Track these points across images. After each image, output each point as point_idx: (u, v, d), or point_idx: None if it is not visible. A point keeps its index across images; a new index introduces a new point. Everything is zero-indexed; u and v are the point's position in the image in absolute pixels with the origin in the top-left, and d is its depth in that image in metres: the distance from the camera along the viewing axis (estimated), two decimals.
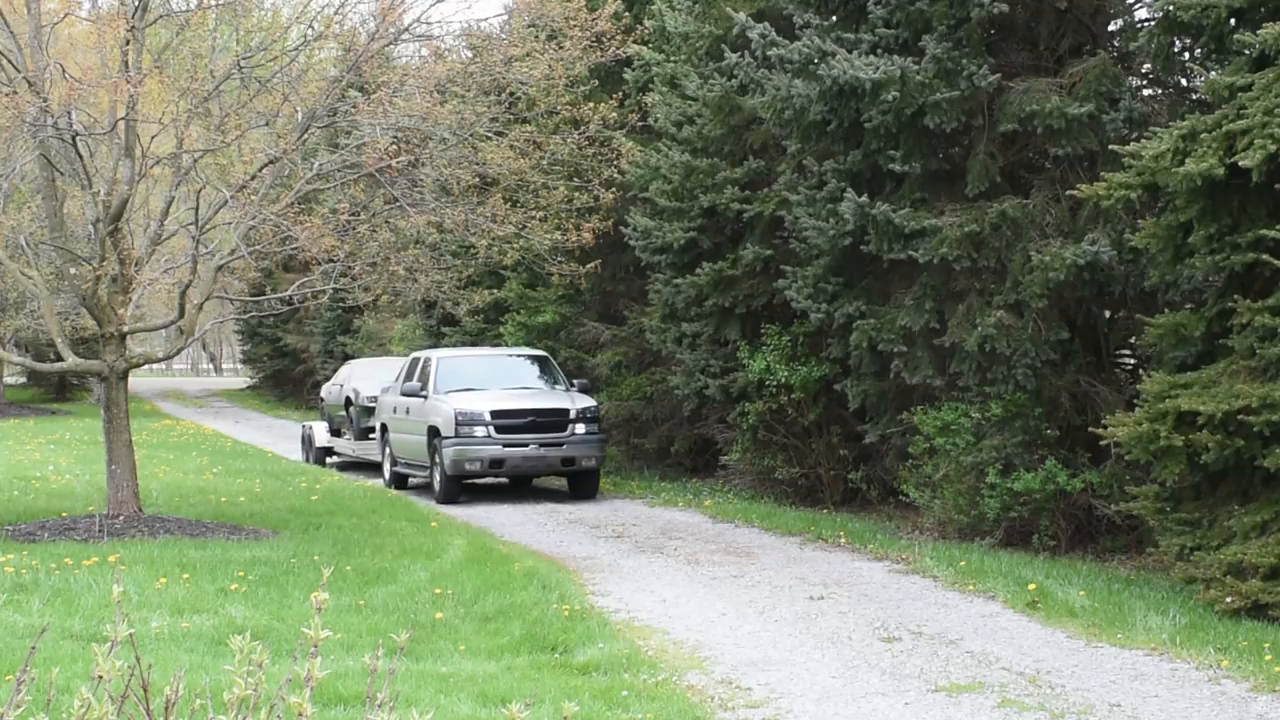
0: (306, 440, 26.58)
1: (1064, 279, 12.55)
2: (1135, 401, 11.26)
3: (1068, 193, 12.57)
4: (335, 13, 15.87)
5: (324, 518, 16.00)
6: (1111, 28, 14.38)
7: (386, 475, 21.37)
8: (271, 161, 14.98)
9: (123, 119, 14.14)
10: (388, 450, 21.31)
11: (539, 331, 23.33)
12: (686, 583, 12.40)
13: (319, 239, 15.22)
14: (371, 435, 23.22)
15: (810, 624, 10.47)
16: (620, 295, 22.42)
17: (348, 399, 24.73)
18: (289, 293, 17.44)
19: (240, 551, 13.22)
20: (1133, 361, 14.51)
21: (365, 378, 24.63)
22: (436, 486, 18.97)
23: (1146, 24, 12.86)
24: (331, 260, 16.15)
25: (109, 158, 15.29)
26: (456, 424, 18.43)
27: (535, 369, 20.27)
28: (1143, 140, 10.89)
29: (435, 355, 20.60)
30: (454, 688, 8.21)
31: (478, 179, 16.69)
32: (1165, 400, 10.44)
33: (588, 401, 19.09)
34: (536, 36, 16.34)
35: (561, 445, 18.50)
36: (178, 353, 18.20)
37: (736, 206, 17.20)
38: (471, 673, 8.69)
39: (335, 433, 25.78)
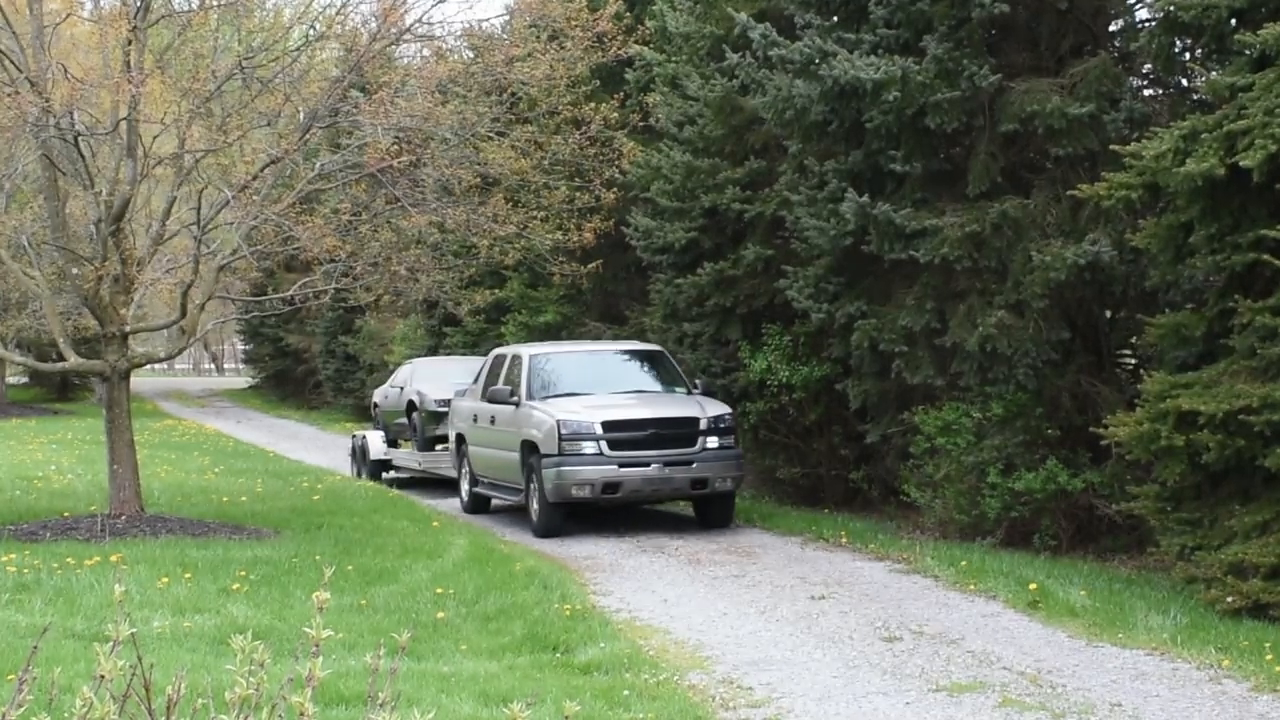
0: (358, 452, 23.14)
1: (1065, 279, 12.55)
2: (1136, 401, 11.26)
3: (1068, 193, 12.57)
4: (337, 13, 15.91)
5: (325, 517, 16.01)
6: (1112, 28, 14.38)
7: (463, 496, 18.21)
8: (273, 161, 14.99)
9: (125, 119, 14.16)
10: (465, 467, 17.98)
11: (540, 331, 23.34)
12: (688, 582, 12.40)
13: (321, 239, 15.23)
14: (439, 446, 20.52)
15: (811, 624, 10.48)
16: (621, 295, 22.43)
17: (410, 403, 21.36)
18: (291, 293, 17.45)
19: (242, 551, 13.23)
20: (1133, 361, 14.51)
21: (431, 378, 21.45)
22: (533, 514, 15.54)
23: (1147, 24, 12.86)
24: (333, 260, 16.16)
25: (111, 158, 15.30)
26: (560, 439, 15.02)
27: (649, 368, 17.00)
28: (1143, 140, 10.89)
29: (526, 352, 16.92)
30: (455, 687, 8.22)
31: (479, 179, 16.70)
32: (1166, 400, 10.45)
33: (720, 408, 15.73)
34: (538, 37, 16.36)
35: (691, 464, 15.04)
36: (179, 353, 18.24)
37: (738, 206, 17.20)
38: (473, 672, 8.70)
39: (392, 443, 22.68)
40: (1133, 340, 13.86)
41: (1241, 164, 9.73)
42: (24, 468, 22.03)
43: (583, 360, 17.07)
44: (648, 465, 15.03)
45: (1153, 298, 12.51)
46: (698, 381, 16.65)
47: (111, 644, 2.95)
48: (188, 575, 11.76)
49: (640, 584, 12.50)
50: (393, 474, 22.33)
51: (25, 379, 47.98)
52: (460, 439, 18.04)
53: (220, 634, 9.47)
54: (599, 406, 15.43)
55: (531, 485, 15.48)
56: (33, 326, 31.25)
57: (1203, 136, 10.11)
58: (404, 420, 21.79)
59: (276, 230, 15.73)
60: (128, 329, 15.24)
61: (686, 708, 7.93)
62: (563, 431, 15.02)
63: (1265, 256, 9.91)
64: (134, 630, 3.00)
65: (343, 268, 16.56)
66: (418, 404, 21.05)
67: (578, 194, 17.95)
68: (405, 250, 16.95)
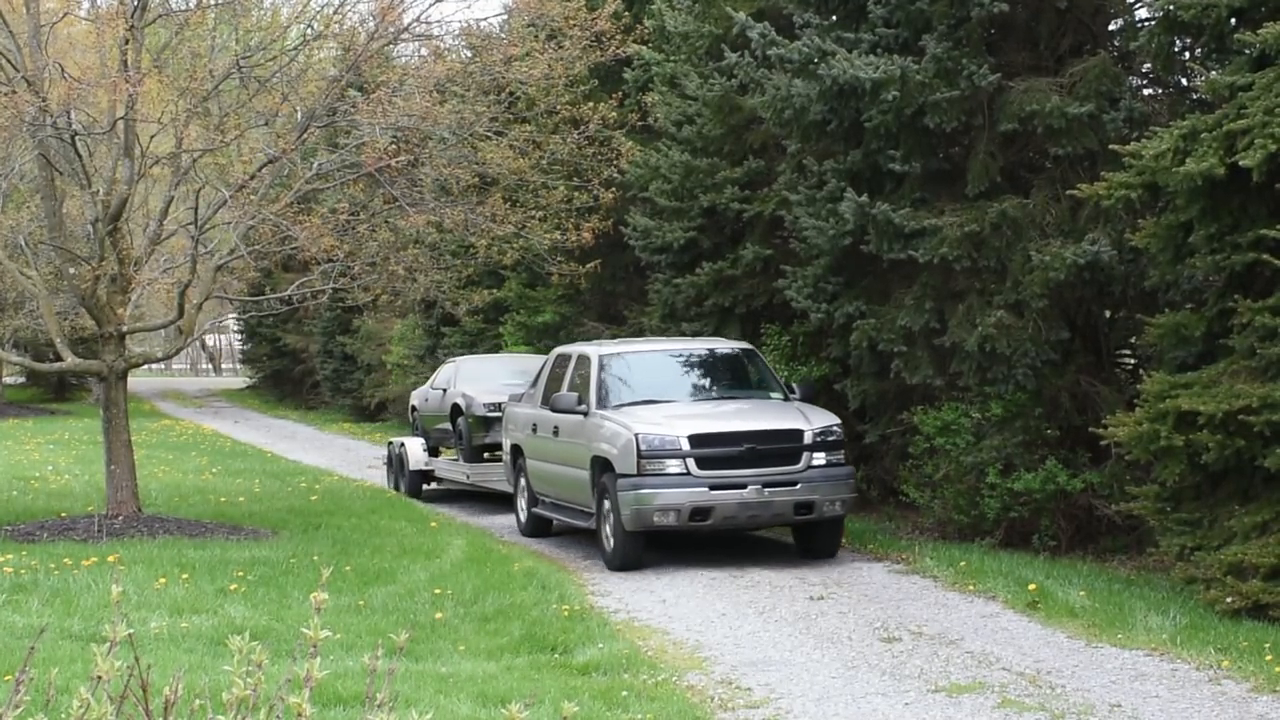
0: (395, 461, 20.63)
1: (1064, 279, 12.54)
2: (1135, 401, 11.25)
3: (1068, 192, 12.56)
4: (334, 12, 15.89)
5: (323, 518, 16.00)
6: (1112, 27, 14.38)
7: (520, 515, 15.91)
8: (271, 161, 14.98)
9: (122, 118, 14.14)
10: (523, 483, 15.71)
11: (539, 331, 23.33)
12: (686, 583, 12.38)
13: (318, 239, 15.21)
14: (489, 456, 18.46)
15: (810, 624, 10.46)
16: (620, 295, 22.41)
17: (455, 407, 19.03)
18: (288, 292, 17.43)
19: (239, 551, 13.21)
20: (1133, 361, 14.50)
21: (478, 378, 19.39)
22: (606, 543, 13.31)
23: (1147, 24, 12.85)
24: (331, 260, 16.14)
25: (108, 157, 15.28)
26: (638, 456, 12.81)
27: (738, 369, 14.83)
28: (1143, 140, 10.88)
29: (595, 352, 14.56)
30: (453, 688, 8.20)
31: (477, 179, 16.68)
32: (1165, 400, 10.43)
33: (826, 418, 13.52)
34: (536, 36, 16.34)
35: (795, 484, 12.88)
36: (177, 353, 18.21)
37: (736, 206, 17.19)
38: (471, 673, 8.68)
39: (433, 451, 20.39)
40: (1132, 340, 13.85)
41: (1241, 164, 9.71)
42: (21, 468, 22.00)
43: (662, 361, 14.76)
44: (744, 487, 12.77)
45: (1152, 298, 12.50)
46: (794, 385, 14.57)
47: (109, 645, 2.93)
48: (185, 576, 11.74)
49: (638, 584, 12.48)
50: (434, 486, 20.09)
51: (22, 379, 47.95)
52: (516, 451, 15.82)
53: (218, 634, 9.45)
54: (683, 417, 13.32)
55: (604, 509, 13.26)
56: (30, 326, 31.24)
57: (1202, 136, 10.09)
58: (447, 426, 19.59)
59: (274, 230, 15.71)
60: (125, 329, 15.22)
61: (685, 708, 7.92)
62: (642, 447, 12.80)
63: (1265, 256, 9.89)
64: (131, 631, 2.98)
65: (340, 267, 16.54)
66: (464, 408, 18.74)
67: (576, 193, 17.93)
68: (403, 250, 16.93)
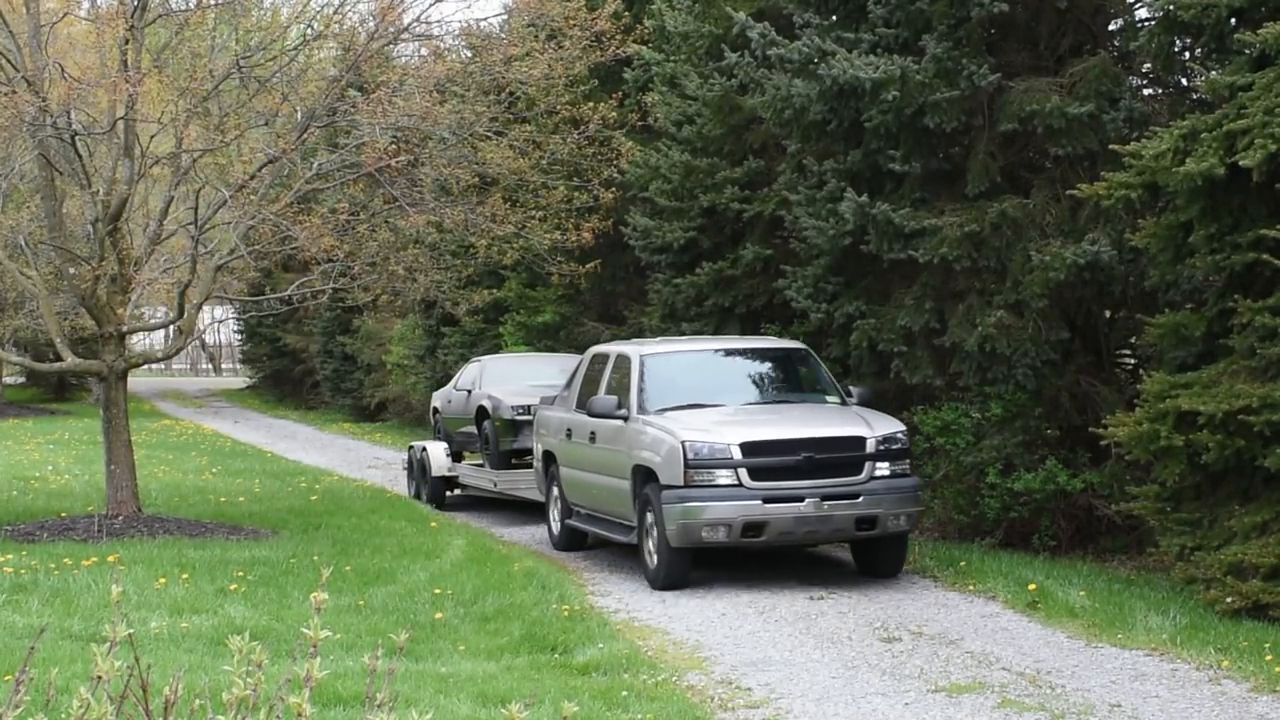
0: (417, 466, 19.44)
1: (1064, 279, 12.54)
2: (1135, 401, 11.25)
3: (1068, 193, 12.56)
4: (334, 12, 15.89)
5: (323, 518, 16.00)
6: (1112, 27, 14.38)
7: (553, 527, 14.79)
8: (271, 161, 14.98)
9: (122, 118, 14.14)
10: (555, 492, 14.62)
11: (539, 331, 23.32)
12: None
13: (318, 239, 15.22)
14: (518, 461, 17.34)
15: (810, 624, 10.46)
16: (620, 295, 22.41)
17: (482, 409, 17.90)
18: (288, 292, 17.43)
19: (239, 551, 13.21)
20: (1133, 361, 14.50)
21: (504, 379, 18.35)
22: (648, 559, 12.29)
23: (1147, 24, 12.85)
24: (331, 260, 16.14)
25: (108, 157, 15.29)
26: (685, 465, 11.75)
27: (791, 371, 13.82)
28: (1143, 140, 10.87)
29: (636, 352, 13.47)
30: (453, 688, 8.20)
31: (477, 179, 16.68)
32: (1165, 400, 10.43)
33: (890, 424, 12.44)
34: (536, 36, 16.34)
35: (857, 497, 11.82)
36: (177, 352, 18.20)
37: (736, 206, 17.19)
38: (471, 673, 8.68)
39: (457, 456, 19.18)
40: (1132, 340, 13.85)
41: (1241, 164, 9.71)
42: (21, 468, 22.00)
43: (709, 362, 13.77)
44: (801, 500, 11.73)
45: (1152, 298, 12.50)
46: (852, 389, 13.34)
47: (109, 645, 2.93)
48: (185, 576, 11.74)
49: (638, 584, 12.48)
50: (458, 493, 18.96)
51: (22, 379, 47.94)
52: (549, 458, 14.71)
53: (218, 634, 9.45)
54: (734, 423, 12.30)
55: (647, 523, 12.24)
56: (30, 326, 31.22)
57: (1202, 136, 10.09)
58: (471, 429, 18.49)
59: (274, 230, 15.71)
60: (125, 329, 15.22)
61: (685, 708, 7.92)
62: (689, 456, 11.75)
63: (1265, 256, 9.89)
64: (131, 631, 2.98)
65: (340, 267, 16.54)
66: (490, 411, 17.59)
67: (576, 193, 17.93)
68: (403, 250, 16.93)
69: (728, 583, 12.23)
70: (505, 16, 19.15)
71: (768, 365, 13.90)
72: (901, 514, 11.98)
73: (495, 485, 17.42)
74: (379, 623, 10.10)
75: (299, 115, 15.22)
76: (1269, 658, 8.71)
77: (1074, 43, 13.90)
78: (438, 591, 11.39)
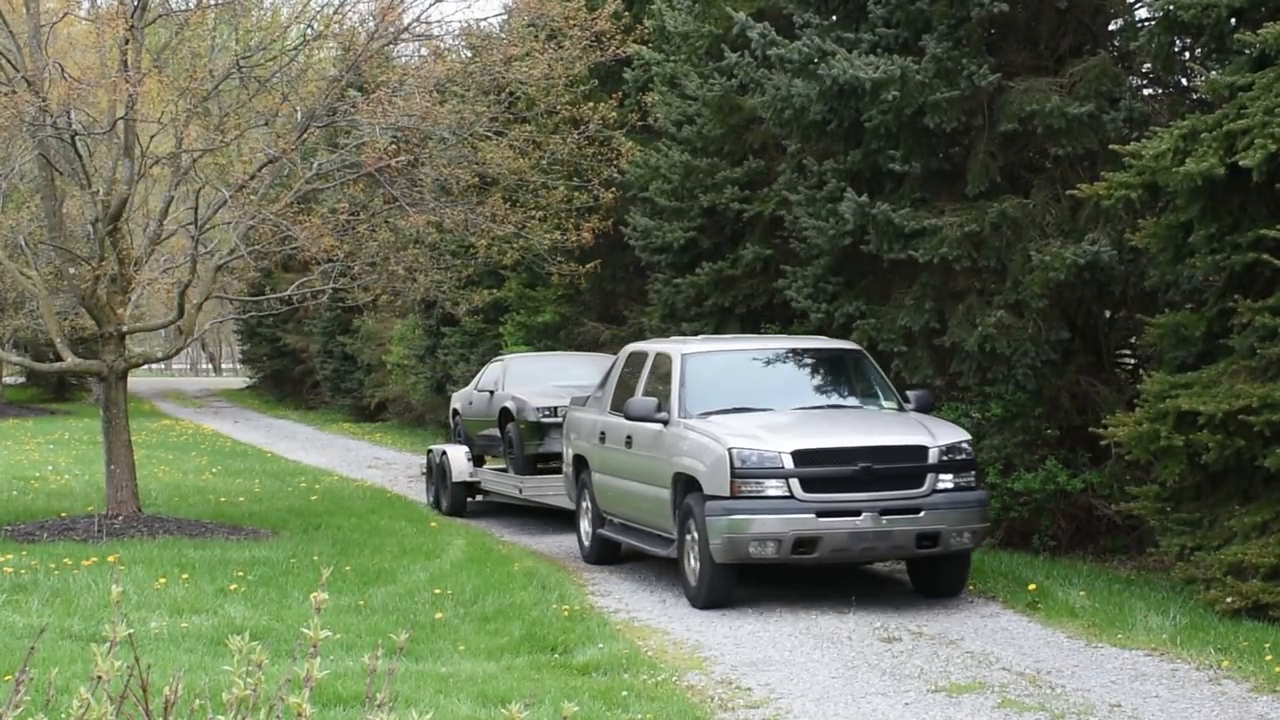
0: (436, 471, 18.32)
1: (1064, 279, 12.55)
2: (1135, 401, 11.25)
3: (1068, 193, 12.57)
4: (334, 12, 15.89)
5: (323, 518, 16.00)
6: (1112, 27, 14.38)
7: (583, 538, 13.85)
8: (271, 161, 14.98)
9: (122, 118, 14.14)
10: (587, 500, 13.70)
11: (539, 331, 23.33)
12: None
13: (318, 239, 15.22)
14: (544, 466, 16.48)
15: (810, 624, 10.46)
16: (620, 295, 22.41)
17: (505, 412, 16.97)
18: (288, 292, 17.44)
19: (239, 551, 13.21)
20: (1133, 361, 14.50)
21: (529, 379, 17.40)
22: (689, 575, 11.34)
23: (1147, 24, 12.85)
24: (331, 260, 16.15)
25: (108, 157, 15.29)
26: (732, 474, 10.81)
27: (843, 374, 12.80)
28: (1143, 140, 10.88)
29: (677, 350, 12.58)
30: (453, 688, 8.20)
31: (477, 179, 16.68)
32: (1165, 400, 10.43)
33: (954, 433, 11.52)
34: (536, 36, 16.34)
35: (917, 511, 10.89)
36: (177, 353, 18.21)
37: (736, 206, 17.19)
38: (471, 673, 8.68)
39: (478, 460, 18.24)
40: (1132, 340, 13.86)
41: (1241, 164, 9.72)
42: (21, 468, 22.00)
43: (756, 363, 12.79)
44: (857, 514, 10.79)
45: (1152, 298, 12.50)
46: (909, 393, 12.45)
47: (109, 645, 2.93)
48: (185, 576, 11.74)
49: (638, 584, 12.48)
50: (479, 499, 17.95)
51: (22, 379, 47.96)
52: (580, 463, 13.83)
53: (218, 635, 9.45)
54: (785, 429, 11.34)
55: (689, 536, 11.30)
56: (30, 326, 31.24)
57: (1202, 136, 10.09)
58: (494, 432, 17.57)
59: (274, 230, 15.71)
60: (125, 329, 15.22)
61: (685, 708, 7.92)
62: (736, 464, 10.81)
63: (1265, 256, 9.89)
64: (131, 631, 2.98)
65: (340, 267, 16.55)
66: (514, 413, 16.64)
67: (576, 193, 17.93)
68: (403, 250, 16.93)
69: None
70: (505, 16, 19.16)
71: (819, 367, 12.92)
72: (966, 530, 11.01)
73: (521, 492, 16.35)
74: (379, 623, 10.10)
75: (299, 115, 15.22)
76: (1269, 658, 8.71)
77: (1074, 43, 13.90)
78: (438, 591, 11.39)
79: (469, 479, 17.64)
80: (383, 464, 24.92)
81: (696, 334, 17.11)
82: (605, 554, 13.53)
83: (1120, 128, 12.56)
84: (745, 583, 11.64)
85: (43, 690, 3.21)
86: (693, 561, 11.29)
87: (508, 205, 16.92)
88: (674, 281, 18.19)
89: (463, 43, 18.03)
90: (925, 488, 10.96)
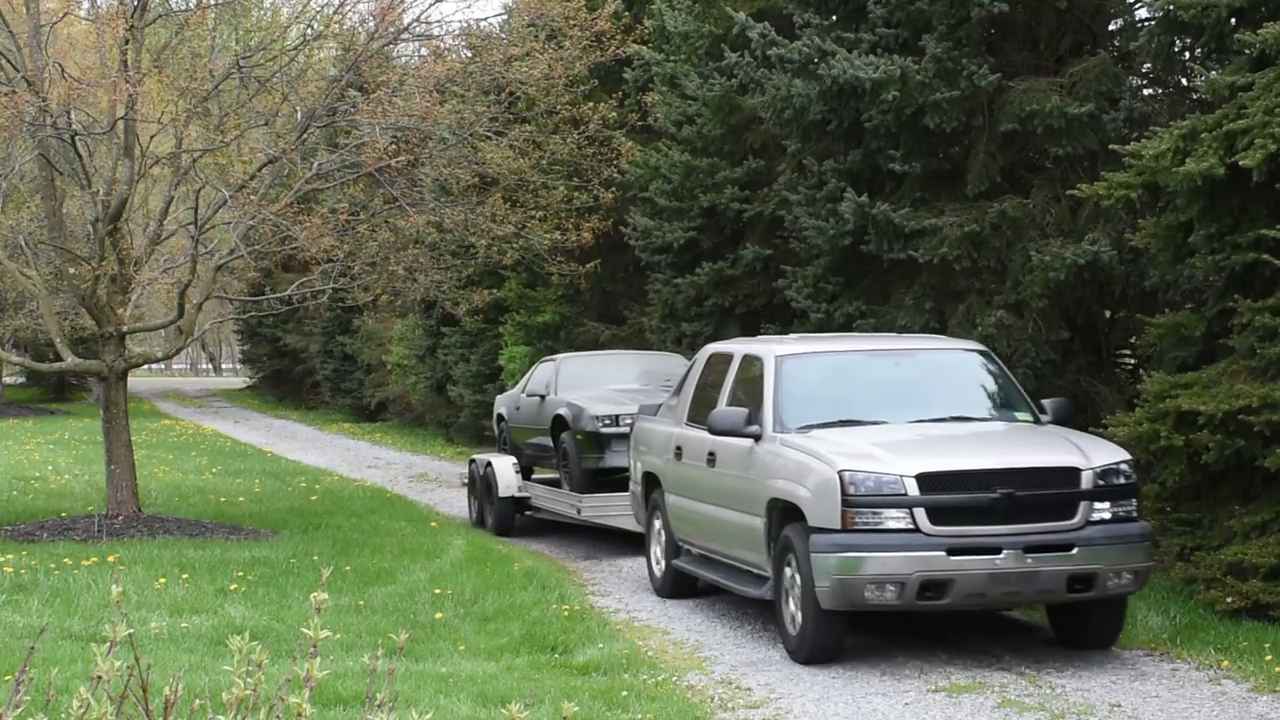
0: (481, 484, 16.46)
1: (1064, 279, 12.54)
2: (1135, 401, 11.24)
3: (1068, 193, 12.56)
4: (334, 12, 15.89)
5: (323, 518, 16.00)
6: (1111, 27, 14.37)
7: (654, 567, 12.16)
8: (271, 161, 14.98)
9: (122, 119, 14.14)
10: (658, 525, 12.02)
11: (539, 331, 23.33)
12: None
13: (318, 239, 15.22)
14: (605, 480, 14.69)
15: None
16: (620, 295, 22.42)
17: (559, 419, 15.12)
18: (288, 293, 17.44)
19: (239, 551, 13.21)
20: (1133, 361, 14.50)
21: (585, 383, 15.58)
22: (789, 623, 9.48)
23: (1147, 24, 12.85)
24: (331, 260, 16.15)
25: (108, 157, 15.29)
26: (845, 502, 8.96)
27: (967, 379, 10.93)
28: (1143, 140, 10.87)
29: (771, 352, 10.67)
30: (453, 688, 8.21)
31: (477, 179, 16.69)
32: (1165, 400, 10.43)
33: (1110, 451, 9.62)
34: (536, 36, 16.34)
35: (1070, 548, 9.01)
36: (177, 353, 18.21)
37: (736, 206, 17.19)
38: (471, 673, 8.68)
39: (526, 472, 16.43)
40: (1132, 340, 13.85)
41: (1241, 164, 9.71)
42: (21, 468, 22.00)
43: (864, 367, 10.94)
44: (997, 551, 8.90)
45: (1152, 297, 12.50)
46: (1044, 402, 10.58)
47: (109, 645, 2.93)
48: (185, 576, 11.74)
49: (638, 584, 12.48)
50: (528, 515, 16.09)
51: (22, 379, 47.97)
52: (651, 481, 12.19)
53: (218, 635, 9.45)
54: (905, 447, 9.44)
55: (786, 574, 9.48)
56: (30, 326, 31.26)
57: (1202, 136, 10.09)
58: (544, 441, 15.77)
59: (274, 230, 15.71)
60: (125, 329, 15.22)
61: (685, 708, 7.92)
62: (849, 490, 8.96)
63: (1265, 256, 9.89)
64: (131, 631, 2.98)
65: (340, 268, 16.55)
66: (570, 421, 14.81)
67: (576, 194, 17.93)
68: (403, 250, 16.93)
69: None
70: (505, 16, 19.17)
71: (939, 371, 11.03)
72: (1125, 570, 9.13)
73: (579, 512, 14.45)
74: (379, 623, 10.11)
75: (299, 115, 15.22)
76: (1269, 658, 8.71)
77: (1074, 43, 13.90)
78: (438, 591, 11.39)
79: (517, 494, 15.78)
80: (383, 464, 24.93)
81: (698, 334, 17.03)
82: (681, 587, 11.77)
83: (1120, 128, 12.56)
84: None
85: (43, 690, 3.21)
86: (792, 606, 9.42)
87: (508, 205, 16.92)
88: (674, 281, 18.19)
89: (463, 43, 18.02)
90: (1078, 519, 9.10)
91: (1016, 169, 14.05)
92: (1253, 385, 9.93)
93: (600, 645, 9.59)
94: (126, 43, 14.18)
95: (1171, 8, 11.01)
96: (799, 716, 7.92)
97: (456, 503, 18.71)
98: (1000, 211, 13.15)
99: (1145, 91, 14.06)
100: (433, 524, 16.02)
